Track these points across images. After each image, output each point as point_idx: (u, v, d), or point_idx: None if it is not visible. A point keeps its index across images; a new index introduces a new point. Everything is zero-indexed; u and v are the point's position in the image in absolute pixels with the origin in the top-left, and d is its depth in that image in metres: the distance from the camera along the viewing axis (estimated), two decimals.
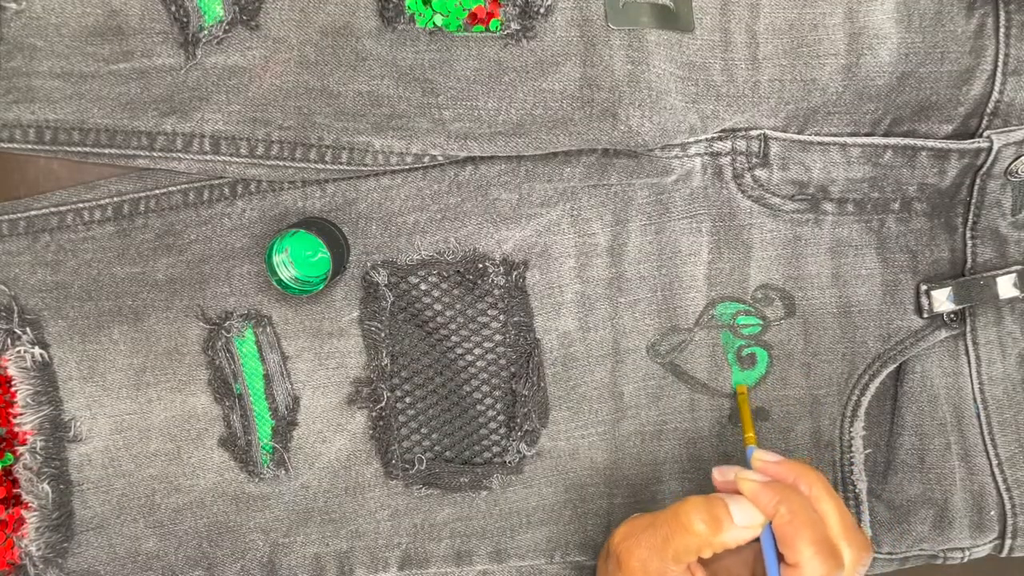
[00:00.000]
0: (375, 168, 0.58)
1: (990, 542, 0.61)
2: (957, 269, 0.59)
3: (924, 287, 0.59)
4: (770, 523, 0.50)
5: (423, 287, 0.58)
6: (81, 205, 0.58)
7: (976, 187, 0.58)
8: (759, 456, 0.53)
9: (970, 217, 0.58)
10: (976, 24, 0.55)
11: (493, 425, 0.60)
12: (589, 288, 0.59)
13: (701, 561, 0.51)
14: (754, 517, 0.49)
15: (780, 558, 0.50)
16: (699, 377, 0.61)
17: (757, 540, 0.50)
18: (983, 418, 0.60)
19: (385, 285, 0.58)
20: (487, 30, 0.55)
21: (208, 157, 0.58)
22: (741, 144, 0.58)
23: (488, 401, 0.59)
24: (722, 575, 0.53)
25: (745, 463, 0.53)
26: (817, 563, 0.48)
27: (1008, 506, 0.60)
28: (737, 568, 0.54)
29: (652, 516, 0.51)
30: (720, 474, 0.53)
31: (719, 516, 0.49)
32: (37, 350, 0.57)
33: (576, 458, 0.60)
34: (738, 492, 0.52)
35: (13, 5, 0.54)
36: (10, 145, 0.57)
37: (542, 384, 0.59)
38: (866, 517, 0.60)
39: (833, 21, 0.55)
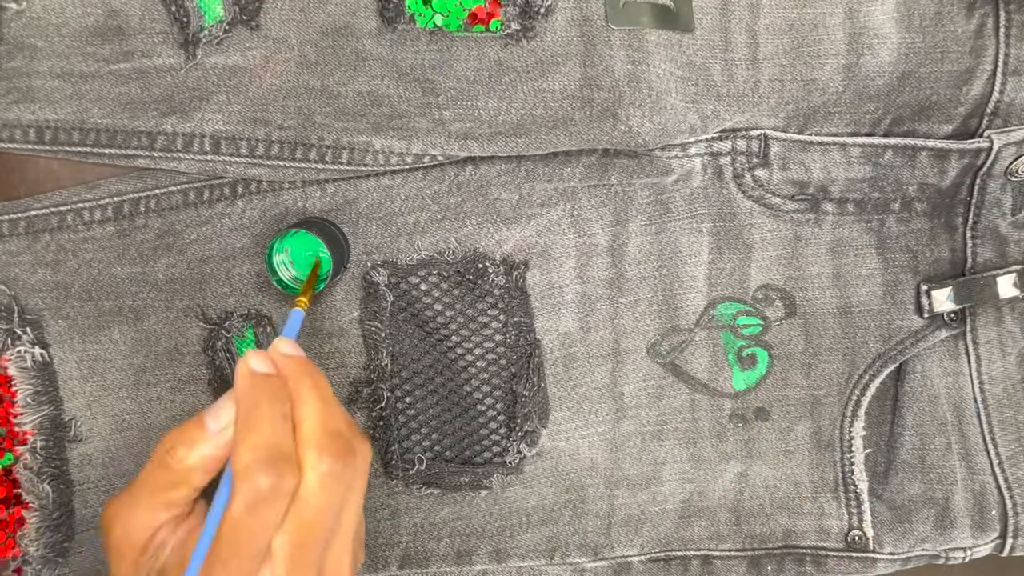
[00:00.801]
0: (375, 168, 0.58)
1: (991, 541, 0.61)
2: (957, 269, 0.59)
3: (924, 287, 0.59)
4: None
5: (423, 287, 0.58)
6: (81, 205, 0.58)
7: (976, 187, 0.58)
8: (277, 344, 0.45)
9: (970, 217, 0.58)
10: (976, 24, 0.55)
11: (493, 425, 0.60)
12: (589, 288, 0.59)
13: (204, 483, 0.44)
14: (230, 413, 0.43)
15: None
16: (699, 377, 0.61)
17: None
18: (983, 417, 0.60)
19: (385, 285, 0.58)
20: (487, 30, 0.55)
21: (208, 157, 0.58)
22: (741, 144, 0.58)
23: (488, 401, 0.59)
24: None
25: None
26: (252, 473, 0.40)
27: (1009, 505, 0.60)
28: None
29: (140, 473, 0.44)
30: (214, 419, 0.43)
31: (192, 435, 0.42)
32: (37, 350, 0.57)
33: (576, 458, 0.60)
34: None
35: (13, 5, 0.54)
36: (10, 145, 0.57)
37: (542, 384, 0.59)
38: (867, 517, 0.60)
39: (833, 21, 0.55)
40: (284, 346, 0.45)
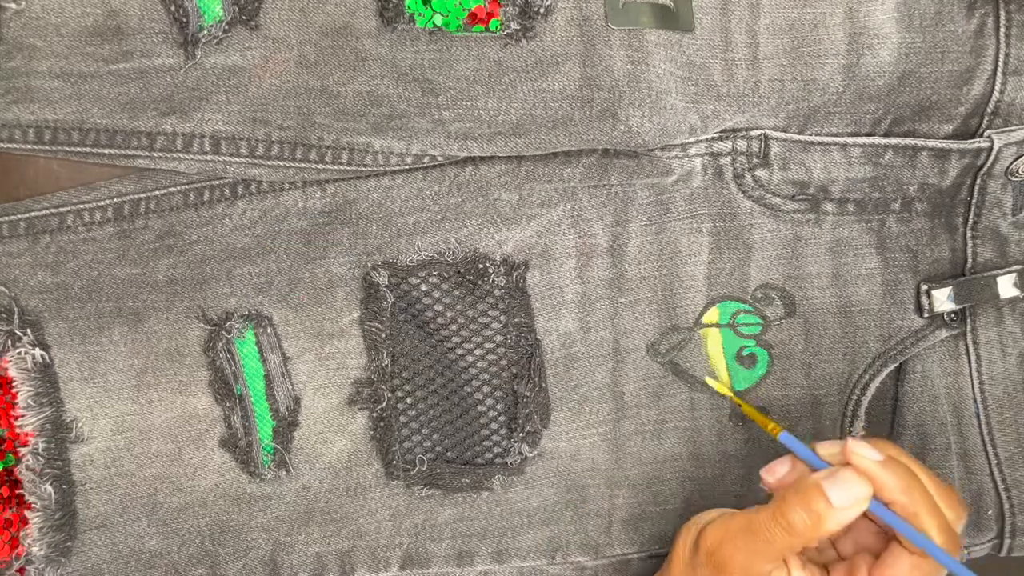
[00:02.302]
0: (375, 168, 0.58)
1: (988, 541, 0.61)
2: (957, 269, 0.59)
3: (924, 287, 0.59)
4: (875, 500, 0.48)
5: (424, 288, 0.58)
6: (81, 206, 0.58)
7: (977, 187, 0.58)
8: (824, 449, 0.51)
9: (971, 217, 0.58)
10: (976, 24, 0.55)
11: (494, 426, 0.60)
12: (590, 288, 0.59)
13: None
14: (853, 494, 0.47)
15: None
16: (699, 376, 0.61)
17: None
18: (983, 418, 0.60)
19: (386, 286, 0.58)
20: (487, 30, 0.55)
21: (208, 157, 0.58)
22: (741, 144, 0.58)
23: (489, 402, 0.59)
24: (807, 549, 0.52)
25: (782, 455, 0.53)
26: (944, 538, 0.47)
27: (1007, 506, 0.61)
28: (863, 536, 0.52)
29: (746, 518, 0.50)
30: (769, 472, 0.52)
31: (819, 510, 0.47)
32: (38, 351, 0.57)
33: (577, 459, 0.60)
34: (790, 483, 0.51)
35: (13, 5, 0.54)
36: (10, 145, 0.57)
37: (543, 385, 0.59)
38: None
39: (833, 21, 0.55)
40: (831, 447, 0.51)
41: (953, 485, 0.60)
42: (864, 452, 0.49)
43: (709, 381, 0.60)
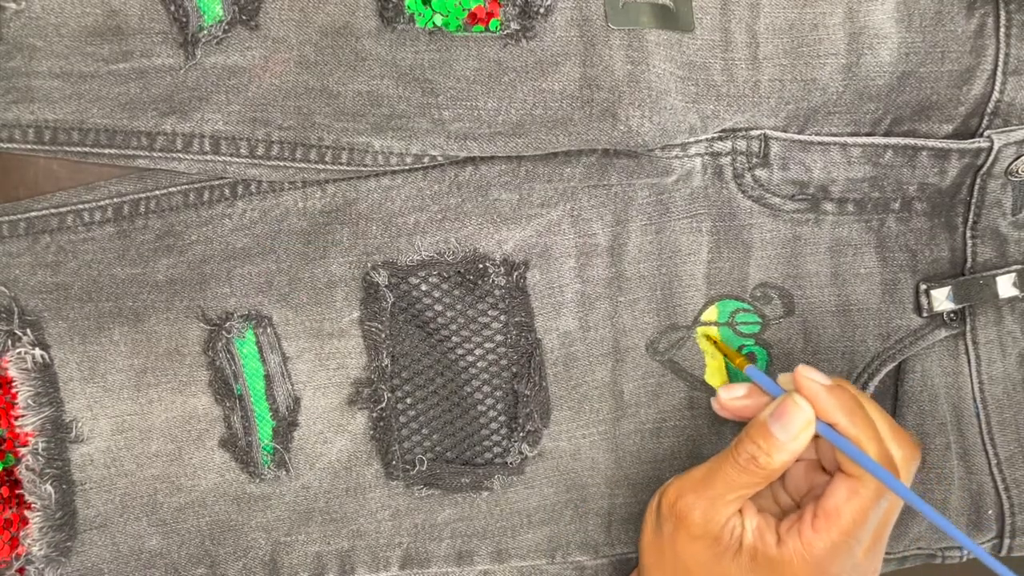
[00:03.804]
0: (375, 168, 0.58)
1: (988, 541, 0.61)
2: (957, 268, 0.60)
3: (924, 286, 0.59)
4: (820, 422, 0.50)
5: (424, 288, 0.58)
6: (81, 206, 0.58)
7: (976, 187, 0.58)
8: (802, 372, 0.52)
9: (970, 216, 0.58)
10: (976, 24, 0.55)
11: (494, 425, 0.60)
12: (589, 288, 0.59)
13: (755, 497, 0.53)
14: (797, 423, 0.50)
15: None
16: (697, 375, 0.61)
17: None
18: (983, 417, 0.61)
19: (385, 286, 0.58)
20: (487, 30, 0.55)
21: (208, 157, 0.58)
22: (741, 144, 0.58)
23: (489, 401, 0.60)
24: (758, 499, 0.54)
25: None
26: (883, 465, 0.48)
27: (1007, 506, 0.61)
28: (815, 480, 0.54)
29: (703, 467, 0.52)
30: (727, 391, 0.54)
31: (769, 444, 0.50)
32: (38, 351, 0.57)
33: (577, 458, 0.60)
34: (745, 412, 0.53)
35: (12, 5, 0.54)
36: (9, 145, 0.57)
37: (543, 384, 0.59)
38: None
39: (833, 21, 0.55)
40: (788, 378, 0.52)
41: (953, 481, 0.60)
42: (811, 375, 0.51)
43: (709, 366, 0.60)
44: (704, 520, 0.51)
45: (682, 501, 0.52)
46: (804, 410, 0.50)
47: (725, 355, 0.59)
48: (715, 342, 0.60)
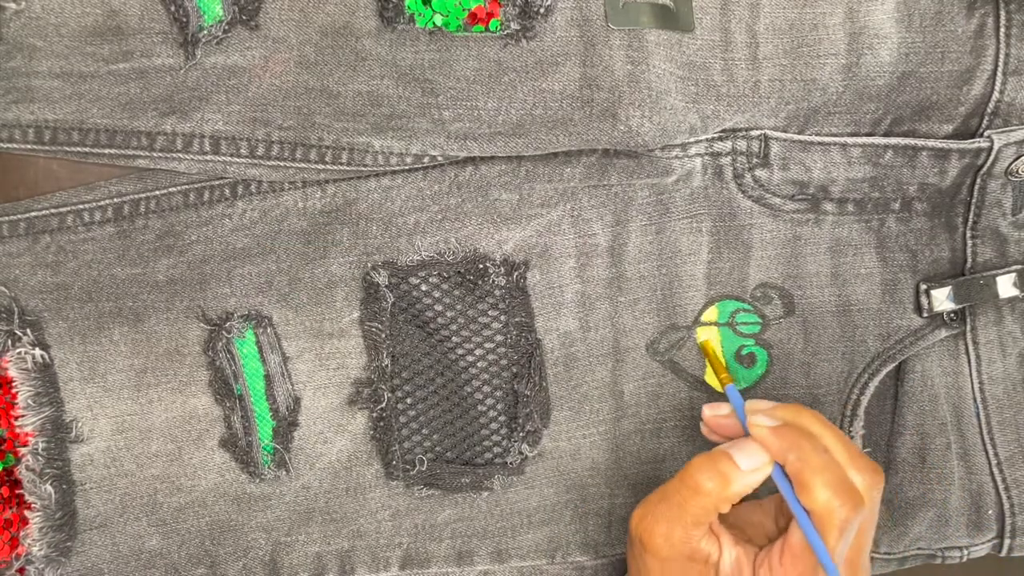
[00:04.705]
0: (375, 168, 0.58)
1: (988, 541, 0.61)
2: (957, 268, 0.60)
3: (924, 286, 0.59)
4: (779, 465, 0.50)
5: (424, 288, 0.58)
6: (81, 206, 0.58)
7: (976, 187, 0.58)
8: (752, 406, 0.53)
9: (970, 217, 0.59)
10: (976, 24, 0.55)
11: (494, 426, 0.60)
12: (589, 288, 0.59)
13: (724, 518, 0.52)
14: (760, 459, 0.50)
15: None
16: (698, 375, 0.61)
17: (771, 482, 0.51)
18: (983, 417, 0.61)
19: (386, 286, 0.58)
20: (487, 30, 0.55)
21: (208, 157, 0.58)
22: (741, 144, 0.58)
23: (489, 402, 0.60)
24: (747, 528, 0.54)
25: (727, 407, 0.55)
26: (837, 505, 0.48)
27: (1007, 506, 0.61)
28: (758, 517, 0.54)
29: (662, 489, 0.52)
30: (711, 409, 0.54)
31: (724, 468, 0.50)
32: (38, 351, 0.57)
33: (577, 458, 0.60)
34: (731, 430, 0.53)
35: (12, 5, 0.54)
36: (9, 145, 0.57)
37: (544, 384, 0.59)
38: None
39: (833, 21, 0.55)
40: (760, 403, 0.53)
41: (953, 481, 0.60)
42: (757, 420, 0.51)
43: (707, 347, 0.60)
44: (666, 543, 0.50)
45: (642, 524, 0.51)
46: (760, 455, 0.50)
47: (713, 367, 0.59)
48: (708, 351, 0.60)
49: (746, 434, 0.52)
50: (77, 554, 0.58)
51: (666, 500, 0.51)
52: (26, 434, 0.57)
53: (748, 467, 0.50)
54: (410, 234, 0.58)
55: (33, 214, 0.58)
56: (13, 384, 0.57)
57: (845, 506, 0.48)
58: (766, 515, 0.54)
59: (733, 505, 0.51)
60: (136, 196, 0.58)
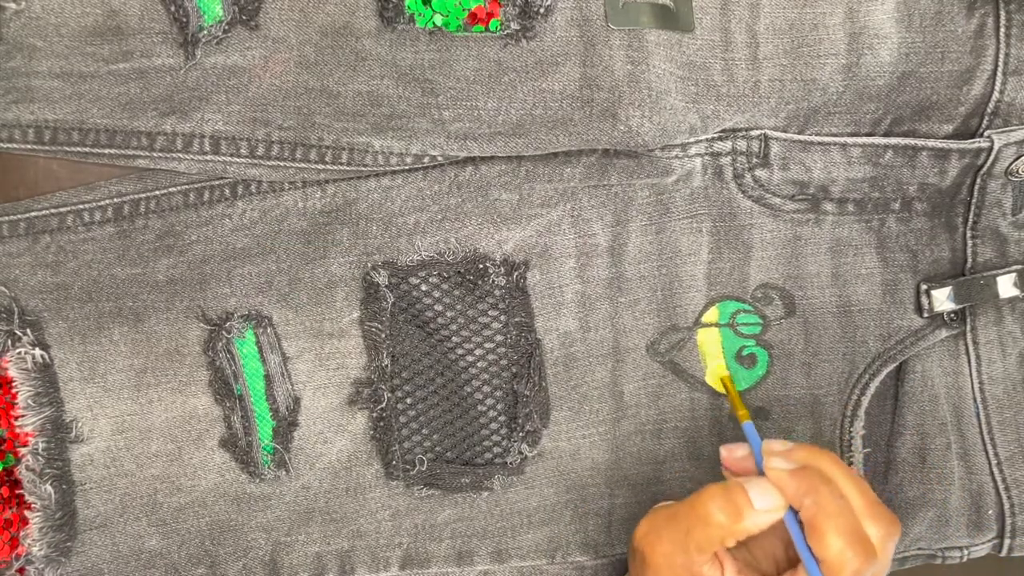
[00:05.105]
0: (375, 168, 0.58)
1: (988, 541, 0.61)
2: (957, 269, 0.60)
3: (924, 286, 0.59)
4: (792, 509, 0.49)
5: (424, 288, 0.58)
6: (81, 206, 0.58)
7: (977, 187, 0.58)
8: (769, 448, 0.52)
9: (970, 217, 0.58)
10: (976, 24, 0.55)
11: (494, 426, 0.60)
12: (589, 288, 0.59)
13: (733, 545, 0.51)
14: (775, 500, 0.49)
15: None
16: (698, 376, 0.61)
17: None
18: (983, 417, 0.61)
19: (386, 286, 0.58)
20: (487, 30, 0.55)
21: (208, 157, 0.58)
22: (741, 144, 0.58)
23: (489, 402, 0.60)
24: (758, 554, 0.53)
25: (743, 442, 0.54)
26: (849, 556, 0.47)
27: (1007, 506, 0.61)
28: (771, 545, 0.53)
29: (672, 508, 0.51)
30: (728, 451, 0.53)
31: (738, 504, 0.49)
32: (38, 351, 0.57)
33: (577, 458, 0.60)
34: (749, 470, 0.52)
35: (12, 5, 0.54)
36: (9, 145, 0.57)
37: (543, 384, 0.59)
38: None
39: (833, 21, 0.55)
40: (776, 444, 0.52)
41: (954, 481, 0.60)
42: (775, 464, 0.50)
43: (709, 369, 0.60)
44: (667, 564, 0.50)
45: (646, 539, 0.51)
46: (776, 497, 0.49)
47: (732, 404, 0.58)
48: (727, 385, 0.60)
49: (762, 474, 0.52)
50: (77, 554, 0.58)
51: (674, 522, 0.50)
52: (26, 434, 0.57)
53: (762, 507, 0.49)
54: (410, 234, 0.58)
55: (33, 214, 0.58)
56: (13, 384, 0.57)
57: (857, 557, 0.47)
58: (778, 541, 0.53)
59: None
60: (136, 196, 0.58)
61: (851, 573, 0.47)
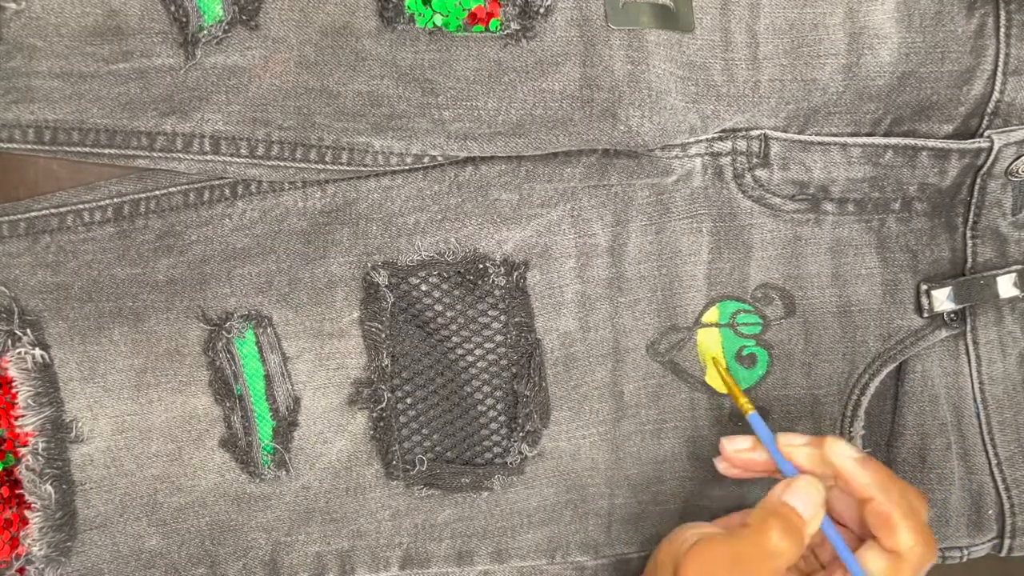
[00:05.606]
0: (375, 168, 0.58)
1: (988, 541, 0.61)
2: (957, 269, 0.59)
3: (924, 286, 0.59)
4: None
5: (424, 288, 0.58)
6: (81, 206, 0.58)
7: (977, 187, 0.58)
8: (786, 441, 0.51)
9: (971, 217, 0.58)
10: (977, 24, 0.55)
11: (494, 426, 0.60)
12: (589, 288, 0.59)
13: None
14: (815, 501, 0.49)
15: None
16: (698, 376, 0.61)
17: None
18: (983, 418, 0.61)
19: (386, 286, 0.58)
20: (487, 30, 0.55)
21: (208, 157, 0.58)
22: (741, 144, 0.58)
23: (489, 402, 0.60)
24: (825, 554, 0.53)
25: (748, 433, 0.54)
26: (920, 551, 0.47)
27: (1007, 506, 0.61)
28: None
29: (729, 549, 0.49)
30: (728, 443, 0.53)
31: (795, 523, 0.48)
32: (38, 351, 0.57)
33: (577, 458, 0.60)
34: (750, 462, 0.51)
35: (13, 5, 0.54)
36: (10, 145, 0.57)
37: (543, 384, 0.59)
38: None
39: (833, 21, 0.55)
40: (793, 438, 0.52)
41: (954, 481, 0.60)
42: (842, 450, 0.50)
43: (709, 367, 0.60)
44: None
45: (693, 551, 0.49)
46: (819, 491, 0.49)
47: (732, 394, 0.58)
48: (723, 375, 0.59)
49: (777, 467, 0.51)
50: (77, 554, 0.58)
51: (737, 564, 0.48)
52: (26, 434, 0.57)
53: (808, 515, 0.48)
54: (410, 234, 0.58)
55: (33, 214, 0.58)
56: (13, 384, 0.57)
57: (928, 553, 0.48)
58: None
59: None
60: (136, 196, 0.58)
61: (918, 568, 0.48)
